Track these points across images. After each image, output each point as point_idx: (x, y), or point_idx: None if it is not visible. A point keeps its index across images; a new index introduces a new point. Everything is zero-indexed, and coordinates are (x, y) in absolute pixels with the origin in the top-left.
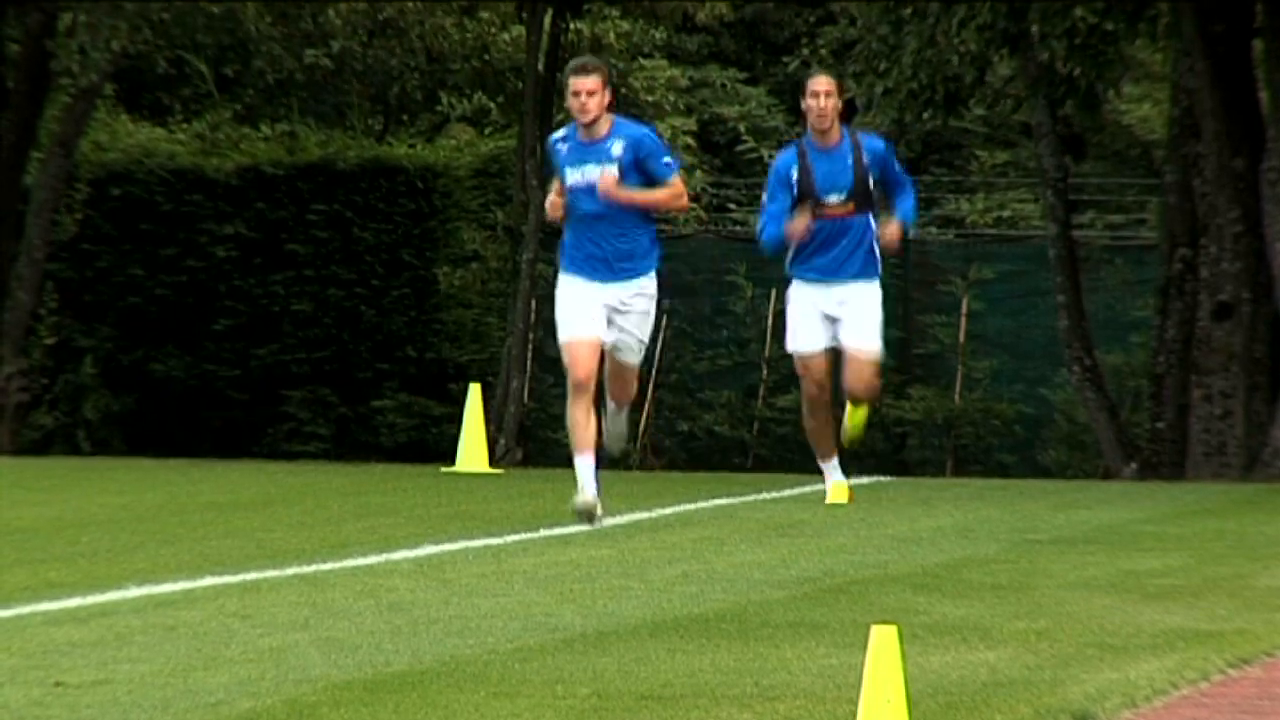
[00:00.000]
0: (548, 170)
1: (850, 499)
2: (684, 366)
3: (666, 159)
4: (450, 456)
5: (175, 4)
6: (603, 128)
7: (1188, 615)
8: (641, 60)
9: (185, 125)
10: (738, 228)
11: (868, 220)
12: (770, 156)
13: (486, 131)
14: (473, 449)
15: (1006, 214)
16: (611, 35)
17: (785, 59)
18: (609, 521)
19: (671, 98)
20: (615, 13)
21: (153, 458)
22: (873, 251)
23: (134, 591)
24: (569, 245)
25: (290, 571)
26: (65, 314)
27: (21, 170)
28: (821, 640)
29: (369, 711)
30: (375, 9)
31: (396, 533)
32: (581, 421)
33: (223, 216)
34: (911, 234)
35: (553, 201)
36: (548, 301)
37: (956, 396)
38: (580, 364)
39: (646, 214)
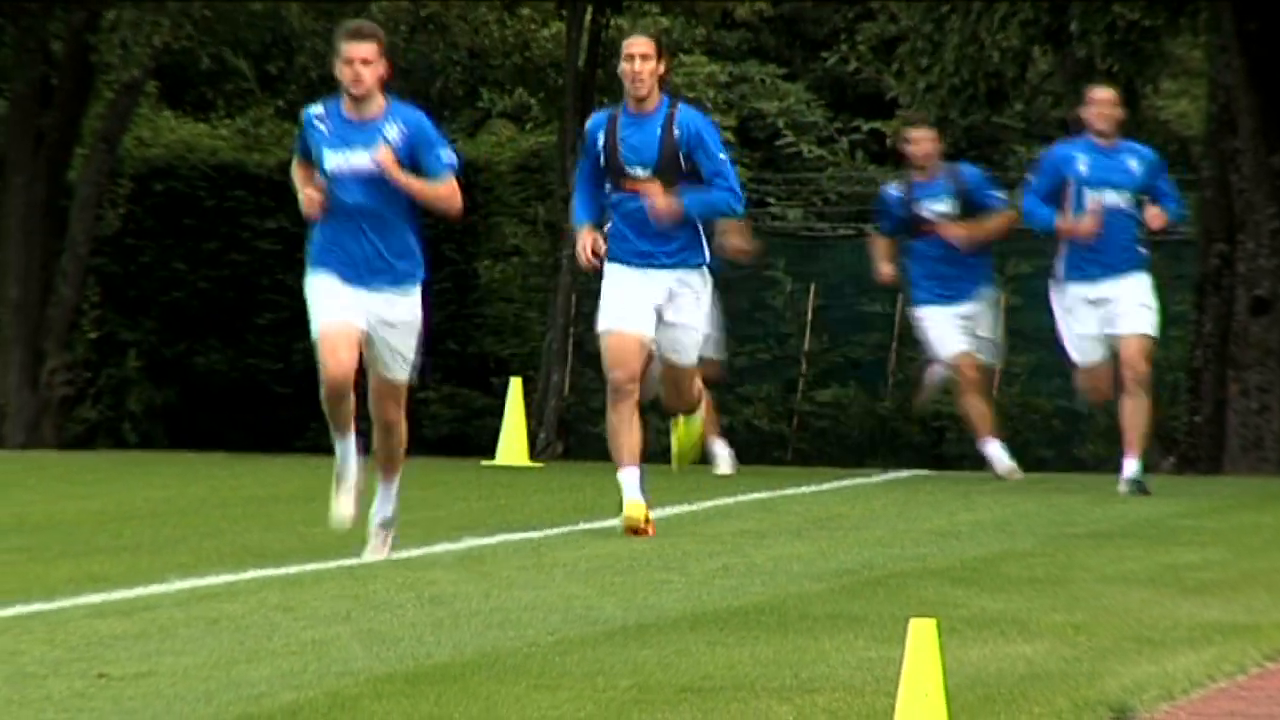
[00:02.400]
0: None
1: (646, 522)
2: (723, 361)
3: (444, 152)
4: (491, 450)
5: (216, 1)
6: (375, 105)
7: (1225, 609)
8: (682, 56)
9: (228, 121)
10: (777, 222)
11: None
12: (810, 151)
13: (527, 127)
14: (514, 442)
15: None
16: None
17: (824, 55)
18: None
19: (711, 93)
20: (655, 9)
21: (196, 451)
22: (698, 234)
23: (177, 584)
24: (321, 243)
25: (332, 564)
26: (109, 308)
27: (65, 166)
28: (860, 633)
29: (410, 704)
30: (418, 5)
31: (437, 526)
32: (337, 411)
33: (264, 211)
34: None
35: (310, 197)
36: (589, 296)
37: (994, 391)
38: (334, 358)
39: (415, 211)
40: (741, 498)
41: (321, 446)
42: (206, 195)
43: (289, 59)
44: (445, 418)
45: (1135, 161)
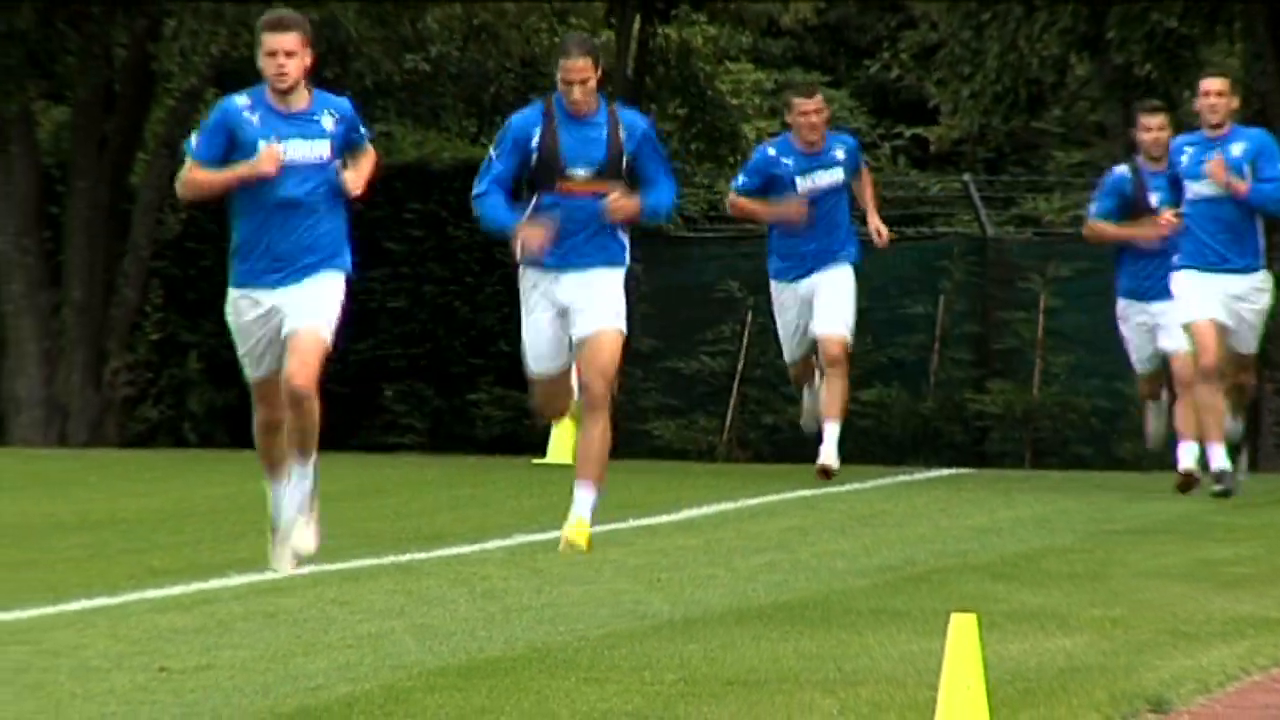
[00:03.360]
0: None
1: (588, 546)
2: (768, 362)
3: (362, 127)
4: (541, 449)
5: (272, 7)
6: (302, 96)
7: (1259, 603)
8: (728, 64)
9: None
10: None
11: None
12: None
13: None
14: (563, 442)
15: (1083, 213)
16: (699, 39)
17: (867, 62)
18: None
19: (757, 100)
20: (702, 17)
21: (252, 449)
22: (619, 237)
23: (236, 579)
24: (246, 242)
25: (387, 560)
26: (170, 310)
27: (128, 171)
28: (903, 627)
29: (463, 696)
30: (470, 14)
31: (489, 523)
32: (270, 447)
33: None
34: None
35: (265, 157)
36: (637, 298)
37: (1035, 390)
38: (268, 404)
39: (343, 200)
40: (786, 495)
41: (376, 445)
42: None
43: (344, 65)
44: (497, 418)
45: (1242, 145)
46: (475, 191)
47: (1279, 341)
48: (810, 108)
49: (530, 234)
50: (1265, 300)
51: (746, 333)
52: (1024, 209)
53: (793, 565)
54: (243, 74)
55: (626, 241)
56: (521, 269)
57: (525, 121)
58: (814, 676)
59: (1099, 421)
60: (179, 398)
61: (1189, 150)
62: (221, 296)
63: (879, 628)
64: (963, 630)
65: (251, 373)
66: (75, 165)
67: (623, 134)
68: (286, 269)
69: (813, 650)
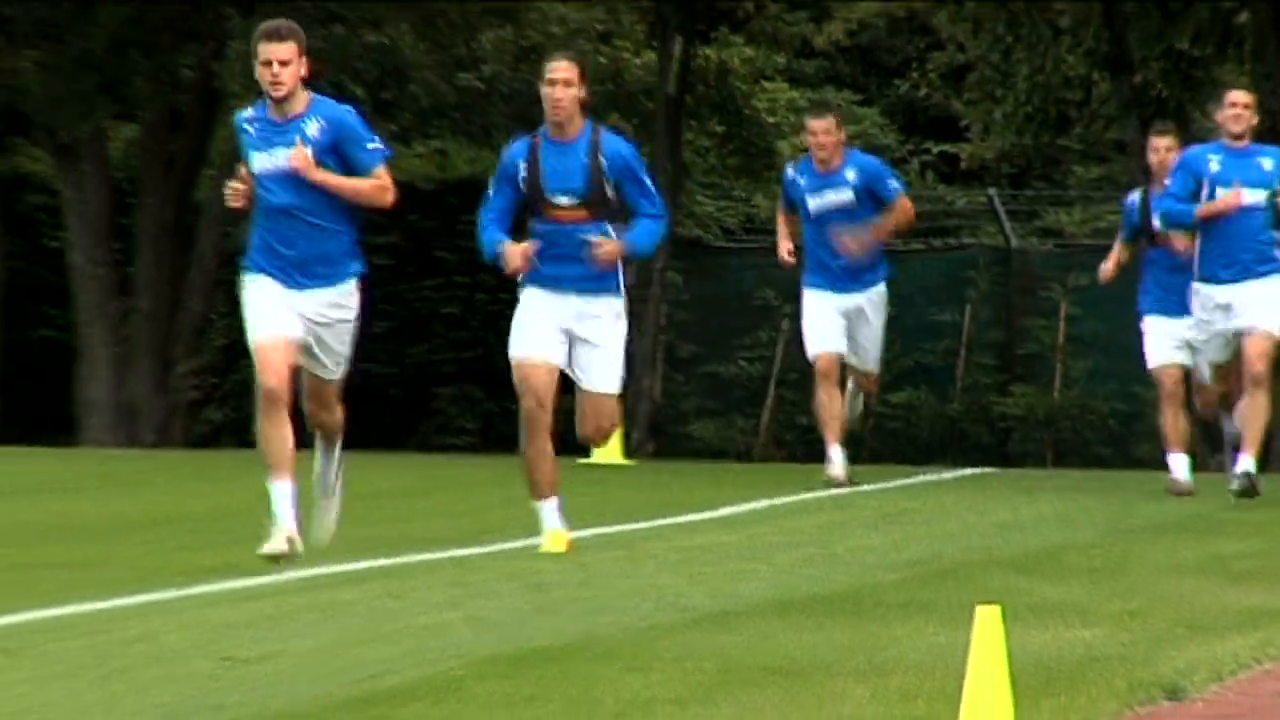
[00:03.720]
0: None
1: (569, 548)
2: (803, 366)
3: (372, 144)
4: (588, 449)
5: (333, 32)
6: (298, 104)
7: (1269, 595)
8: (764, 83)
9: None
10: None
11: (605, 230)
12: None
13: None
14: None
15: (1102, 225)
16: (737, 60)
17: (896, 82)
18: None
19: (791, 118)
20: (740, 39)
21: (313, 449)
22: (613, 269)
23: (298, 573)
24: (256, 245)
25: (441, 555)
26: (234, 318)
27: (193, 186)
28: (931, 619)
29: (513, 684)
30: (520, 36)
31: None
32: (272, 436)
33: (379, 228)
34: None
35: (234, 188)
36: (678, 306)
37: (1056, 394)
38: (271, 370)
39: (348, 209)
40: (820, 493)
41: (431, 445)
42: None
43: (401, 87)
44: None
45: (1269, 161)
46: (480, 232)
47: None
48: (819, 128)
49: (512, 250)
50: None
51: (782, 338)
52: (1046, 222)
53: (826, 560)
54: None
55: (620, 267)
56: (522, 288)
57: (513, 154)
58: (847, 665)
59: (1117, 423)
60: (242, 401)
61: (1215, 159)
62: None
63: (908, 619)
64: (988, 622)
65: (256, 334)
66: (144, 182)
67: (603, 162)
68: (298, 276)
69: (845, 641)
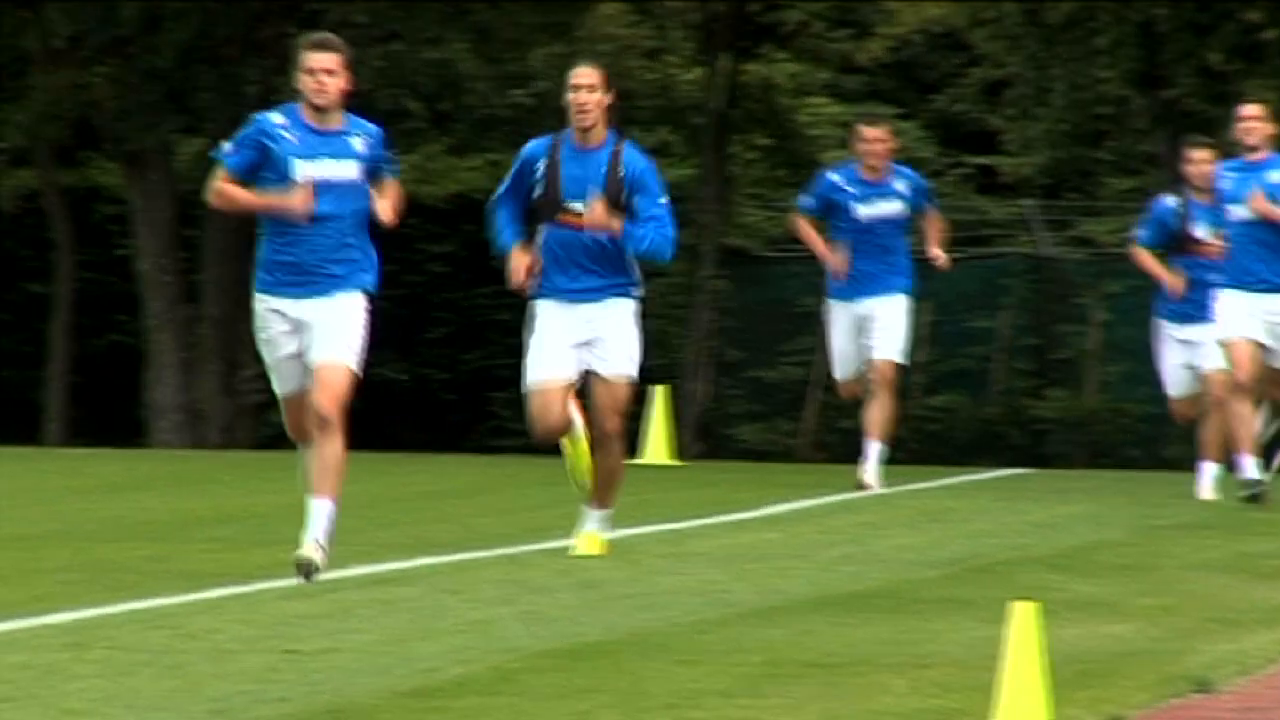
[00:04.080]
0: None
1: (606, 550)
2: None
3: (390, 157)
4: (638, 451)
5: (390, 49)
6: (338, 116)
7: None
8: (807, 98)
9: (403, 156)
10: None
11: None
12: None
13: (669, 162)
14: (658, 444)
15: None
16: (781, 76)
17: (935, 97)
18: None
19: (834, 131)
20: (785, 55)
21: (374, 451)
22: (625, 269)
23: (357, 570)
24: (271, 256)
25: (495, 552)
26: None
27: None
28: (968, 615)
29: (566, 678)
30: (572, 53)
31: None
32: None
33: (436, 237)
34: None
35: (301, 193)
36: (725, 313)
37: (1089, 397)
38: (301, 419)
39: (369, 221)
40: (860, 493)
41: (486, 447)
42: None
43: (458, 100)
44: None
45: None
46: (489, 204)
47: None
48: (875, 135)
49: (518, 265)
50: None
51: (823, 344)
52: (1079, 231)
53: (867, 557)
54: (362, 108)
55: (637, 274)
56: (531, 301)
57: (533, 151)
58: (887, 659)
59: (1148, 426)
60: None
61: (1231, 176)
62: None
63: (946, 615)
64: (1023, 617)
65: (280, 388)
66: None
67: (622, 171)
68: (310, 281)
69: (886, 635)
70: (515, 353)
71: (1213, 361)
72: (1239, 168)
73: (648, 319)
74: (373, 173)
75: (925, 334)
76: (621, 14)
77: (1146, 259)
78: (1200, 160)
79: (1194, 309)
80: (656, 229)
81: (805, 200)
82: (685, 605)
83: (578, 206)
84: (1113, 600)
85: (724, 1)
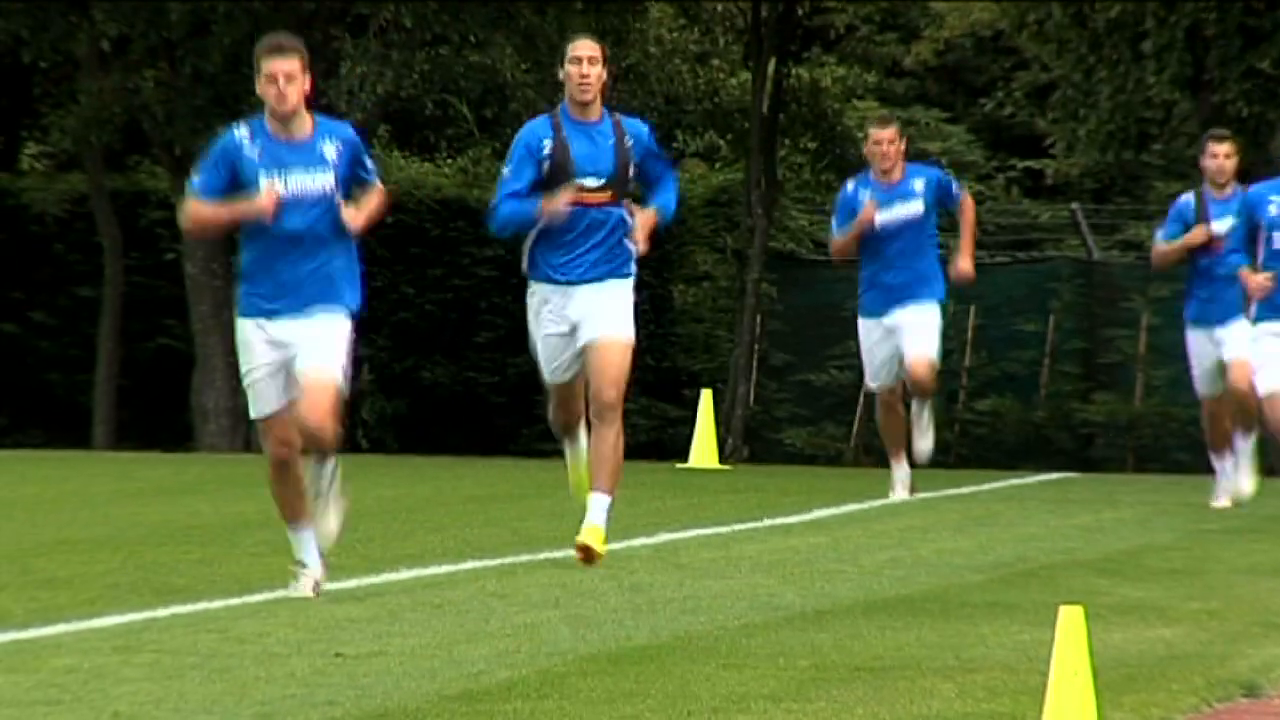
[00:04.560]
0: (761, 201)
1: (602, 551)
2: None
3: (370, 161)
4: (685, 454)
5: (438, 53)
6: (306, 124)
7: None
8: (855, 102)
9: (450, 161)
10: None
11: (622, 213)
12: (970, 188)
13: (717, 165)
14: (704, 447)
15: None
16: (828, 80)
17: (982, 100)
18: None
19: None
20: (832, 59)
21: (422, 455)
22: (626, 247)
23: (405, 574)
24: (252, 274)
25: (542, 556)
26: None
27: None
28: (1015, 619)
29: (613, 681)
30: (620, 56)
31: (636, 522)
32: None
33: (483, 241)
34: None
35: (266, 195)
36: (772, 316)
37: (1137, 401)
38: (283, 439)
39: (348, 232)
40: (908, 497)
41: (533, 450)
42: (432, 226)
43: (503, 105)
44: (643, 427)
45: None
46: (490, 211)
47: None
48: (884, 136)
49: (551, 204)
50: None
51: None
52: (1126, 235)
53: (914, 561)
54: (409, 112)
55: (635, 251)
56: (530, 285)
57: (535, 132)
58: (934, 663)
59: (1196, 430)
60: (352, 407)
61: (1276, 199)
62: (391, 314)
63: (994, 619)
64: (1071, 621)
65: (257, 408)
66: None
67: (629, 142)
68: (291, 300)
69: (933, 639)
70: None
71: (1235, 352)
72: None
73: (699, 323)
74: (350, 179)
75: (971, 338)
76: (669, 18)
77: (1167, 248)
78: (1220, 154)
79: (1220, 309)
80: (672, 191)
81: (835, 224)
82: (732, 609)
83: (590, 183)
84: (1160, 604)
85: (771, 5)
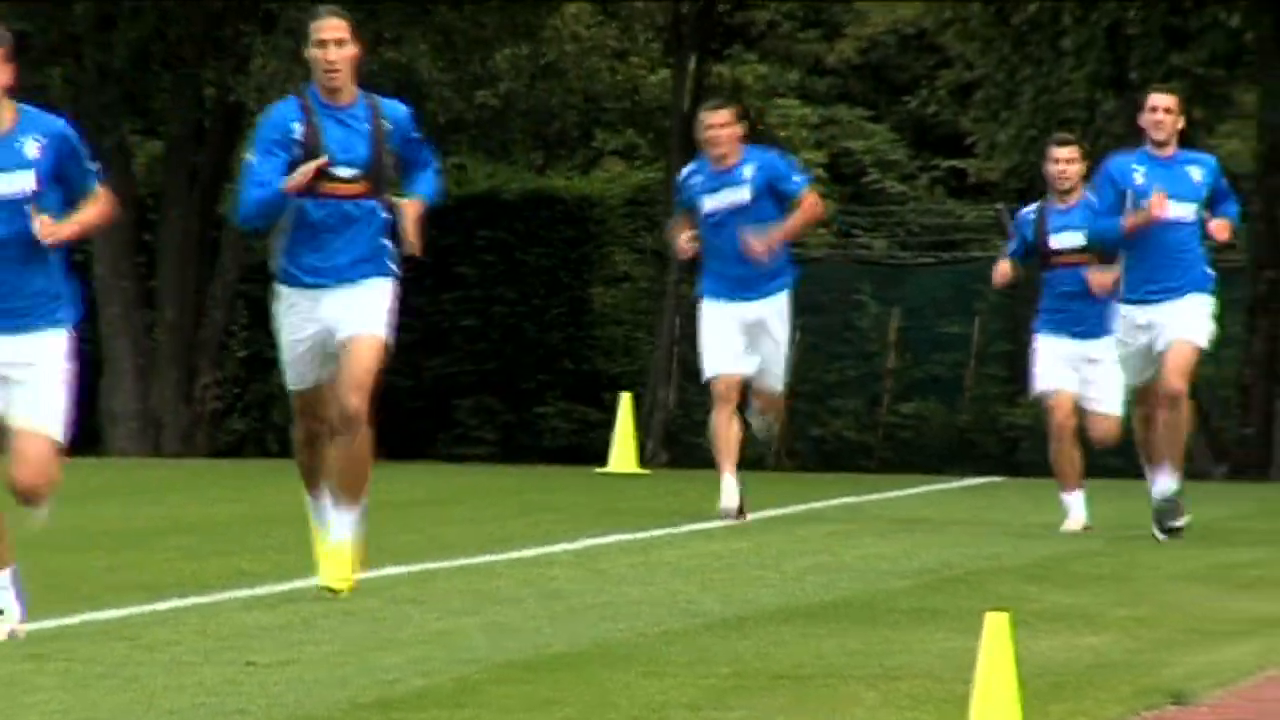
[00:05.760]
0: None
1: (348, 581)
2: (815, 377)
3: (89, 162)
4: (604, 459)
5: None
6: (4, 118)
7: (1273, 603)
8: (777, 100)
9: None
10: (863, 251)
11: (377, 207)
12: (893, 187)
13: (636, 164)
14: (624, 452)
15: None
16: (750, 77)
17: (906, 99)
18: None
19: (804, 134)
20: (753, 57)
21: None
22: (385, 244)
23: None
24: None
25: (459, 562)
26: (256, 329)
27: (216, 201)
28: (940, 625)
29: (530, 689)
30: (538, 54)
31: (555, 528)
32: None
33: (397, 242)
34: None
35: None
36: (692, 318)
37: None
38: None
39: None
40: (831, 502)
41: (450, 455)
42: None
43: (420, 104)
44: (562, 430)
45: (1198, 171)
46: (240, 205)
47: None
48: (715, 121)
49: (293, 179)
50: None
51: (794, 350)
52: None
53: (837, 567)
54: None
55: (395, 250)
56: (276, 287)
57: (283, 115)
58: (858, 671)
59: (1128, 434)
60: (264, 411)
61: (1138, 169)
62: None
63: (918, 626)
64: (997, 628)
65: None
66: (167, 195)
67: (387, 127)
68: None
69: (856, 647)
70: (480, 359)
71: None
72: (1145, 160)
73: (618, 325)
74: (62, 181)
75: (895, 340)
76: (588, 14)
77: (1000, 271)
78: (1061, 158)
79: (1067, 322)
80: (435, 181)
81: (676, 202)
82: (651, 616)
83: (345, 173)
84: (1087, 611)
85: (691, 1)
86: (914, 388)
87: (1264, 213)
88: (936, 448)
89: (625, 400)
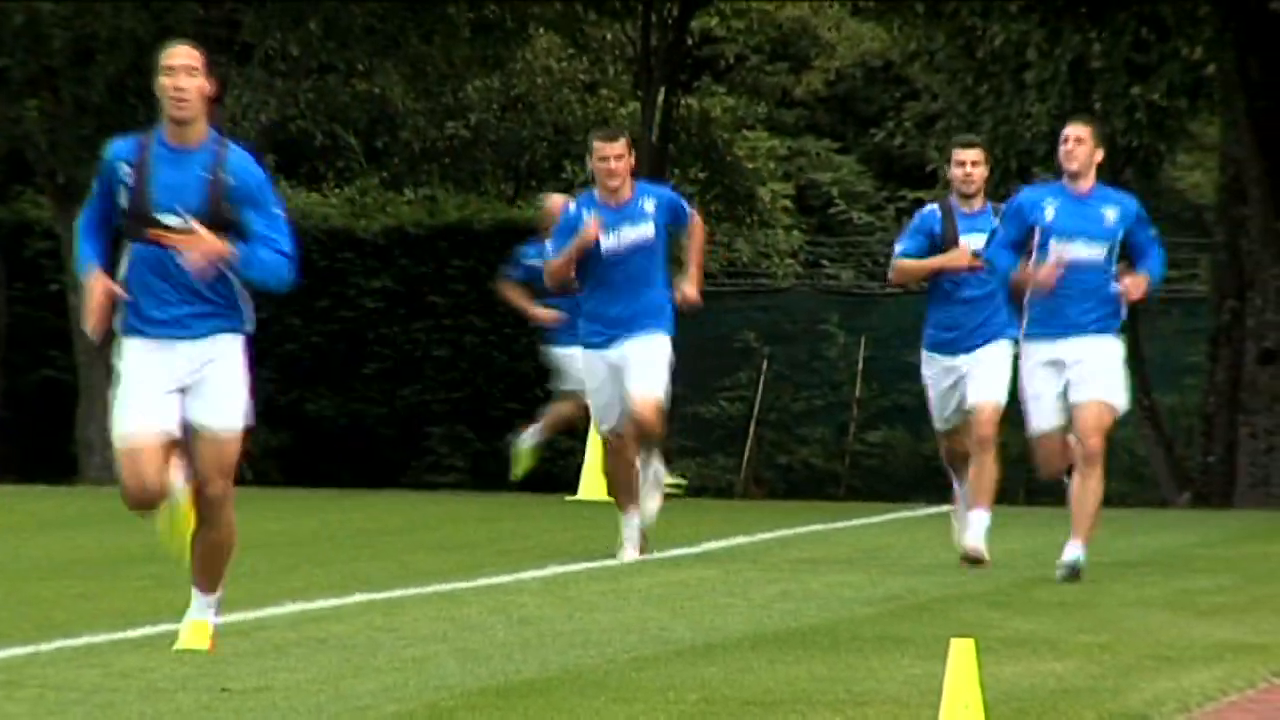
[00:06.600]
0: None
1: (210, 644)
2: (783, 406)
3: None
4: (574, 487)
5: (326, 81)
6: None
7: (1236, 629)
8: (745, 132)
9: (338, 191)
10: (831, 281)
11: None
12: (860, 218)
13: None
14: (594, 480)
15: None
16: (718, 109)
17: (873, 130)
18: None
19: (772, 165)
20: (722, 89)
21: (307, 488)
22: (234, 300)
23: (290, 607)
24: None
25: (430, 590)
26: None
27: None
28: (906, 652)
29: (501, 715)
30: (508, 87)
31: (525, 555)
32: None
33: (371, 272)
34: None
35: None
36: None
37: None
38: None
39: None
40: (798, 529)
41: (422, 483)
42: (318, 257)
43: (393, 134)
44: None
45: (1113, 211)
46: (77, 231)
47: (1252, 390)
48: (610, 152)
49: (95, 290)
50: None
51: (762, 379)
52: None
53: (804, 594)
54: (298, 143)
55: (247, 303)
56: (120, 340)
57: (119, 152)
58: (825, 697)
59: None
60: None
61: (1050, 205)
62: (277, 345)
63: (884, 652)
64: (962, 655)
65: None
66: None
67: (228, 180)
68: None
69: (823, 673)
70: (452, 387)
71: (981, 395)
72: (1060, 195)
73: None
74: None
75: (862, 369)
76: (558, 47)
77: (912, 265)
78: (966, 161)
79: (961, 338)
80: (271, 251)
81: (551, 248)
82: (621, 643)
83: (173, 221)
84: (1051, 637)
85: (661, 34)
86: (881, 416)
87: (1227, 243)
88: (903, 476)
89: (595, 429)
